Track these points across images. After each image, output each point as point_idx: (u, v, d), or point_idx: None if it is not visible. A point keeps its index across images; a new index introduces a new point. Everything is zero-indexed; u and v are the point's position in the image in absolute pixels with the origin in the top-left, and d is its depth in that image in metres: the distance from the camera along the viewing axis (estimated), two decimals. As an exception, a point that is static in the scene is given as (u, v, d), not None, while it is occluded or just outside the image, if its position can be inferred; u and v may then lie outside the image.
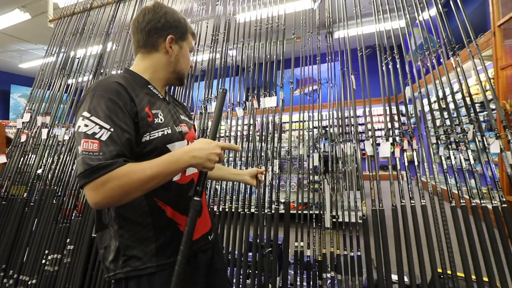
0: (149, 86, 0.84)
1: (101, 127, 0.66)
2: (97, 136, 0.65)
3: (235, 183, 1.93)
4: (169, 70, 0.89)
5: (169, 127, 0.80)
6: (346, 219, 1.74)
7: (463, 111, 1.72)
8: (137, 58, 0.89)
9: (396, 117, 1.68)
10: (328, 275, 1.62)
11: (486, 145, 1.40)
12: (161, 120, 0.80)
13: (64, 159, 2.21)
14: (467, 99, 1.49)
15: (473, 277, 1.27)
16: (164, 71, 0.88)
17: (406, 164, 1.60)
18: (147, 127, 0.75)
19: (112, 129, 0.67)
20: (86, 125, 0.67)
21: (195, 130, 1.01)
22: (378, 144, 1.63)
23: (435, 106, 2.03)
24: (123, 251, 0.77)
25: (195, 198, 0.74)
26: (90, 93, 0.72)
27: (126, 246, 0.77)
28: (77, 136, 0.67)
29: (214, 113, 0.85)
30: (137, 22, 0.86)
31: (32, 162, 2.38)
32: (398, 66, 1.70)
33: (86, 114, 0.68)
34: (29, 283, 1.91)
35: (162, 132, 0.78)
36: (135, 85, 0.80)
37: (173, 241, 0.80)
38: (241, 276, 1.69)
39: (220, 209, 1.90)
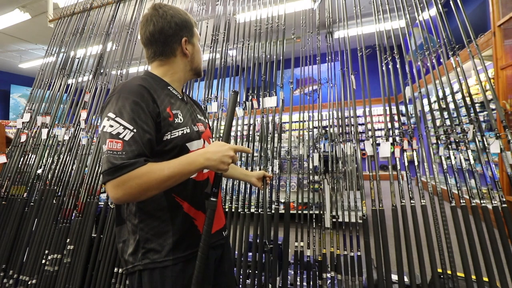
0: (168, 88, 0.88)
1: (125, 128, 0.71)
2: (121, 136, 0.70)
3: (235, 183, 1.93)
4: (187, 69, 0.92)
5: (188, 127, 0.84)
6: (346, 219, 1.74)
7: (463, 111, 1.72)
8: (154, 65, 0.91)
9: (396, 117, 1.68)
10: (328, 275, 1.62)
11: (486, 145, 1.40)
12: (180, 120, 0.84)
13: (64, 159, 2.21)
14: (467, 99, 1.49)
15: (473, 277, 1.27)
16: (183, 72, 0.92)
17: (406, 164, 1.60)
18: (168, 126, 0.79)
19: (135, 130, 0.71)
20: (111, 126, 0.71)
21: (210, 129, 1.03)
22: (378, 144, 1.63)
23: (435, 106, 2.03)
24: (142, 244, 0.81)
25: (211, 199, 0.79)
26: (115, 95, 0.76)
27: (146, 239, 0.81)
28: (103, 135, 0.72)
29: (227, 116, 0.86)
30: (150, 34, 0.86)
31: (32, 162, 2.37)
32: (398, 66, 1.70)
33: (111, 115, 0.72)
34: (29, 283, 1.91)
35: (182, 132, 0.82)
36: (157, 87, 0.83)
37: (188, 235, 0.83)
38: (241, 276, 1.69)
39: (220, 209, 1.90)
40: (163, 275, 0.79)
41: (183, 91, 0.98)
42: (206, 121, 1.03)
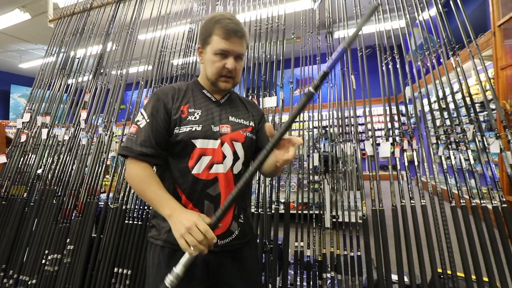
0: (203, 91, 0.98)
1: (143, 117, 0.88)
2: (138, 123, 0.88)
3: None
4: (206, 76, 0.97)
5: (201, 125, 0.90)
6: (346, 219, 1.74)
7: (463, 111, 1.72)
8: None
9: (396, 117, 1.68)
10: (328, 275, 1.62)
11: (486, 145, 1.40)
12: (195, 118, 0.91)
13: (64, 159, 2.21)
14: (467, 99, 1.49)
15: (473, 277, 1.27)
16: (206, 78, 0.97)
17: (406, 164, 1.60)
18: (179, 122, 0.90)
19: (148, 120, 0.87)
20: (139, 115, 0.90)
21: (250, 132, 0.98)
22: (378, 144, 1.63)
23: (435, 106, 2.03)
24: (151, 218, 0.96)
25: (310, 89, 0.68)
26: (152, 94, 0.96)
27: (153, 215, 0.95)
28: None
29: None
30: None
31: (32, 162, 2.37)
32: (398, 66, 1.70)
33: (142, 109, 0.91)
34: (29, 283, 1.91)
35: (190, 128, 0.89)
36: (194, 89, 0.98)
37: None
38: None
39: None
40: (159, 253, 0.88)
41: (228, 93, 1.01)
42: (246, 123, 0.98)
